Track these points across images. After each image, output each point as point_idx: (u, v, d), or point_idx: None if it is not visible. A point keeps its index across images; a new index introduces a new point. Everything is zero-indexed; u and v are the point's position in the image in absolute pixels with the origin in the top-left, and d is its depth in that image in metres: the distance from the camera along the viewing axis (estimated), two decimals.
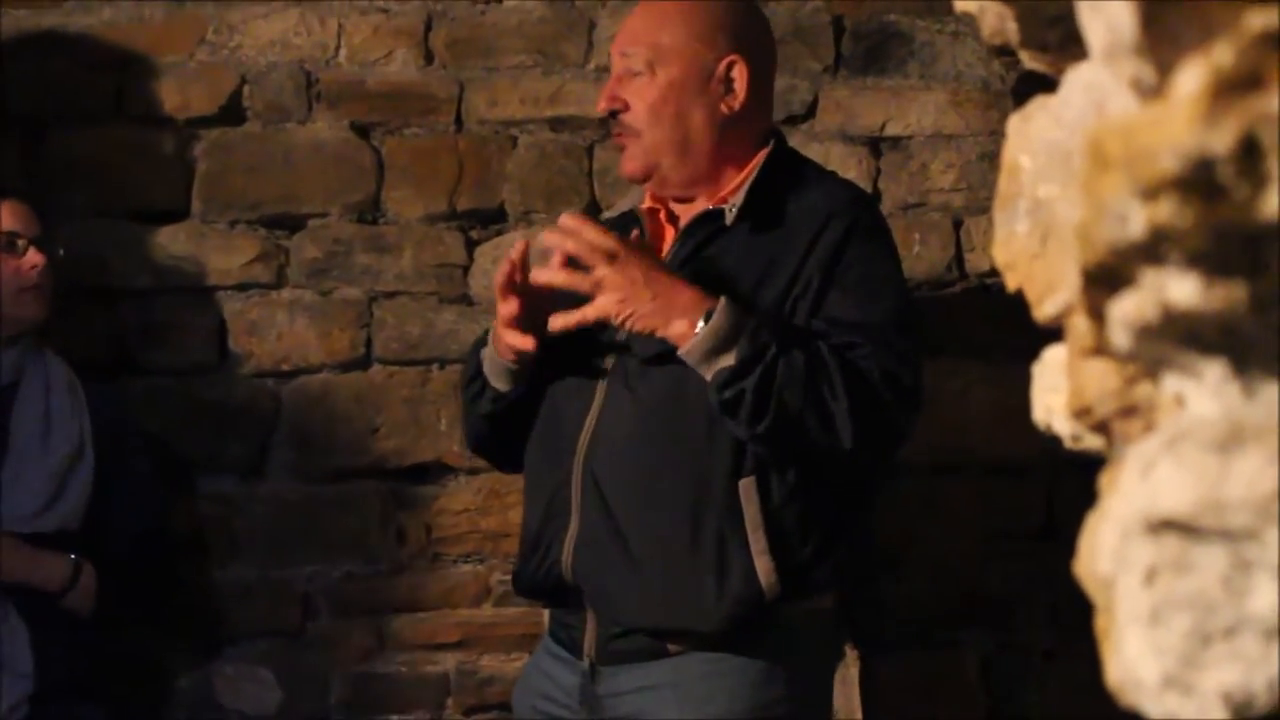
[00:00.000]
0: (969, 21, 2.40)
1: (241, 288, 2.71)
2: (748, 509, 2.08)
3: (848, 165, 2.68)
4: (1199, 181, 0.51)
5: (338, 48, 2.74)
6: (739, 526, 2.07)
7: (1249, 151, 0.49)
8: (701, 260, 2.16)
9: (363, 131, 2.72)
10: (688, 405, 2.08)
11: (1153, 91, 0.56)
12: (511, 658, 2.65)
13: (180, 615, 2.66)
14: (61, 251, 2.43)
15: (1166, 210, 0.52)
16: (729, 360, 2.02)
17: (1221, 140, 0.49)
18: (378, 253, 2.72)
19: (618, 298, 2.07)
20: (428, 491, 2.71)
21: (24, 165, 2.66)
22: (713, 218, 2.15)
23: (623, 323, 2.09)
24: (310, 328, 2.71)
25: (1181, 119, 0.51)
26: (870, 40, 2.79)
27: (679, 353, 2.05)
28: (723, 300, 2.08)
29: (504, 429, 2.25)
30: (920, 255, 2.75)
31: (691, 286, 2.12)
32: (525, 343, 2.12)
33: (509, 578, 2.40)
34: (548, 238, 2.17)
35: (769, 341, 2.04)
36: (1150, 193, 0.52)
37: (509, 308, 2.12)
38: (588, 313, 2.07)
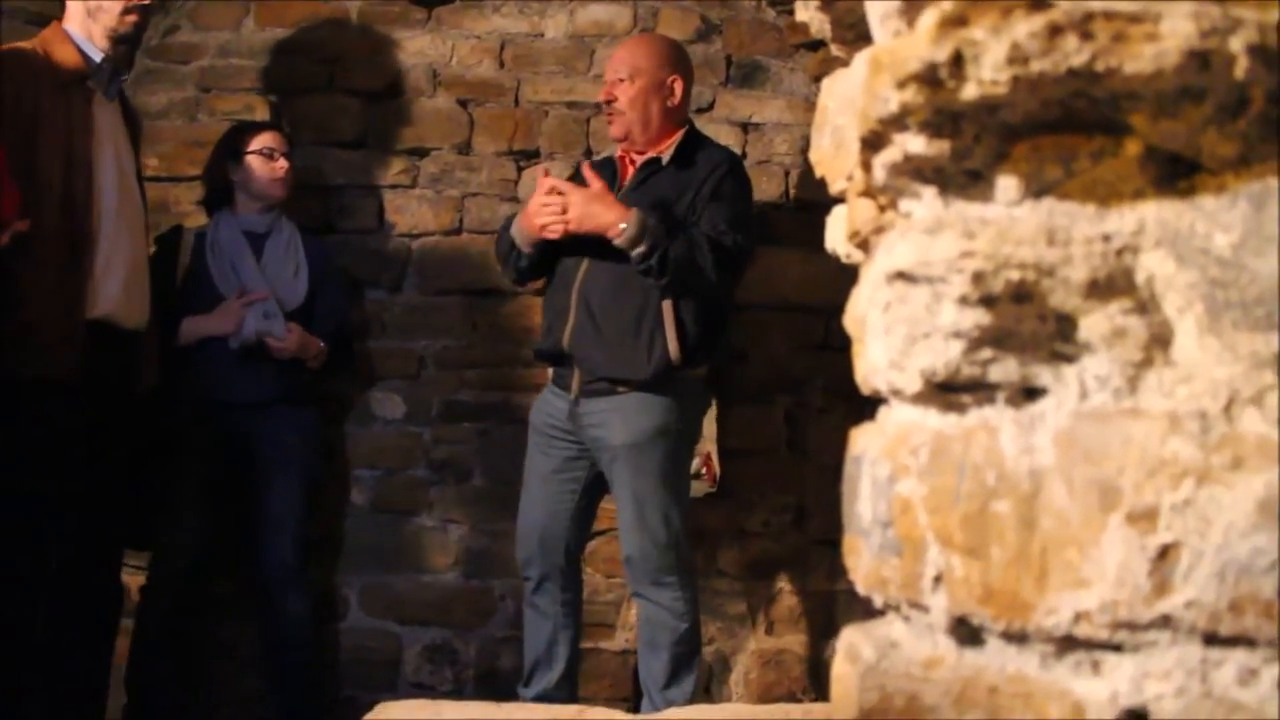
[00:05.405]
0: (800, 60, 3.83)
1: (393, 187, 3.70)
2: (666, 317, 2.78)
3: (730, 137, 3.58)
4: (929, 77, 0.62)
5: (451, 57, 3.73)
6: (661, 326, 2.78)
7: (957, 60, 0.62)
8: (647, 185, 2.85)
9: (463, 104, 3.71)
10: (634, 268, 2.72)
11: (905, 34, 0.70)
12: (533, 394, 3.30)
13: (353, 363, 3.58)
14: (295, 164, 3.37)
15: (910, 94, 0.64)
16: (641, 248, 2.68)
17: (943, 52, 0.62)
18: (468, 171, 3.69)
19: (578, 210, 2.68)
20: (489, 302, 3.61)
21: (278, 120, 3.65)
22: (655, 162, 2.88)
23: (581, 225, 2.66)
24: (429, 210, 3.68)
25: (922, 40, 0.63)
26: (746, 69, 3.73)
27: (615, 242, 2.68)
28: (634, 210, 2.67)
29: (533, 272, 2.98)
30: (765, 189, 3.62)
31: (619, 204, 2.66)
32: (550, 233, 2.78)
33: (533, 351, 3.16)
34: (542, 181, 2.78)
35: (662, 235, 2.68)
36: (902, 84, 0.64)
37: (542, 203, 2.75)
38: (568, 220, 2.72)
